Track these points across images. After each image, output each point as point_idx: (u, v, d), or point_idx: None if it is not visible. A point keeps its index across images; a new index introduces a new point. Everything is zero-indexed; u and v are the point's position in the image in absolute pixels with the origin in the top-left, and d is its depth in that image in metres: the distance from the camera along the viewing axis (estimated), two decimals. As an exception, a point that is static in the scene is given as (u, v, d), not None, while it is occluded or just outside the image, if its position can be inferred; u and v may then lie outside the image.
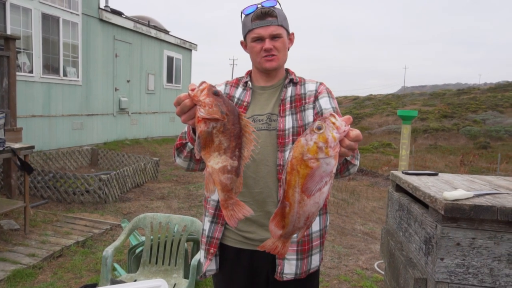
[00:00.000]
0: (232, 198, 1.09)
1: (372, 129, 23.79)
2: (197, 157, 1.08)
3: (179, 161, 1.47)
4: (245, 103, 1.55)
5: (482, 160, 12.39)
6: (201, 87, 1.04)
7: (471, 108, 22.47)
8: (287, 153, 1.47)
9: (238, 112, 1.06)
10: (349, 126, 1.00)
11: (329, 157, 0.96)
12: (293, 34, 1.61)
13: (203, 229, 1.58)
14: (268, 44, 1.49)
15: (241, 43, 1.62)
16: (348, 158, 1.35)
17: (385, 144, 17.54)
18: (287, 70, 1.65)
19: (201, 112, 1.02)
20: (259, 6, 1.51)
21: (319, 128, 0.98)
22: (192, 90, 1.06)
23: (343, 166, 1.40)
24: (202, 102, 1.02)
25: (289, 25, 1.60)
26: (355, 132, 1.01)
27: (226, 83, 1.64)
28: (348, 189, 8.57)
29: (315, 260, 1.52)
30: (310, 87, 1.57)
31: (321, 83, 1.60)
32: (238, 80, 1.65)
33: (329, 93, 1.56)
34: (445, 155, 13.32)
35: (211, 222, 1.55)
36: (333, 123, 0.98)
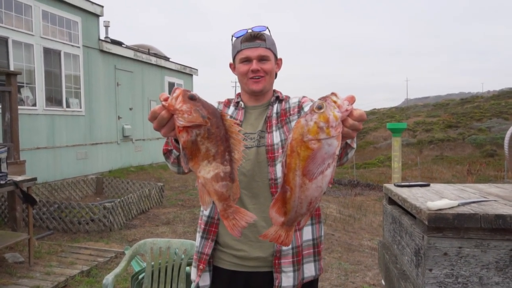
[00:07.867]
0: (231, 207, 1.02)
1: (377, 143, 23.70)
2: (186, 170, 1.02)
3: (169, 166, 1.49)
4: (237, 121, 1.58)
5: (490, 168, 12.28)
6: (174, 95, 0.96)
7: (475, 116, 22.38)
8: (278, 166, 1.48)
9: (221, 113, 0.99)
10: (352, 105, 0.95)
11: (331, 138, 0.91)
12: (280, 59, 1.65)
13: (196, 246, 1.59)
14: (255, 65, 1.52)
15: (230, 65, 1.66)
16: (348, 141, 1.29)
17: (391, 157, 17.42)
18: (274, 91, 1.68)
19: (180, 121, 0.94)
20: (250, 30, 1.57)
21: (319, 108, 0.92)
22: (165, 100, 0.96)
23: (343, 150, 1.33)
24: (179, 111, 0.94)
25: (278, 50, 1.63)
26: (359, 111, 0.97)
27: (219, 103, 1.68)
28: (355, 205, 8.51)
29: (307, 269, 1.52)
30: (294, 100, 1.62)
31: (304, 96, 1.64)
32: (229, 101, 1.68)
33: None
34: (451, 165, 13.21)
35: (201, 237, 1.56)
36: (335, 102, 0.93)
